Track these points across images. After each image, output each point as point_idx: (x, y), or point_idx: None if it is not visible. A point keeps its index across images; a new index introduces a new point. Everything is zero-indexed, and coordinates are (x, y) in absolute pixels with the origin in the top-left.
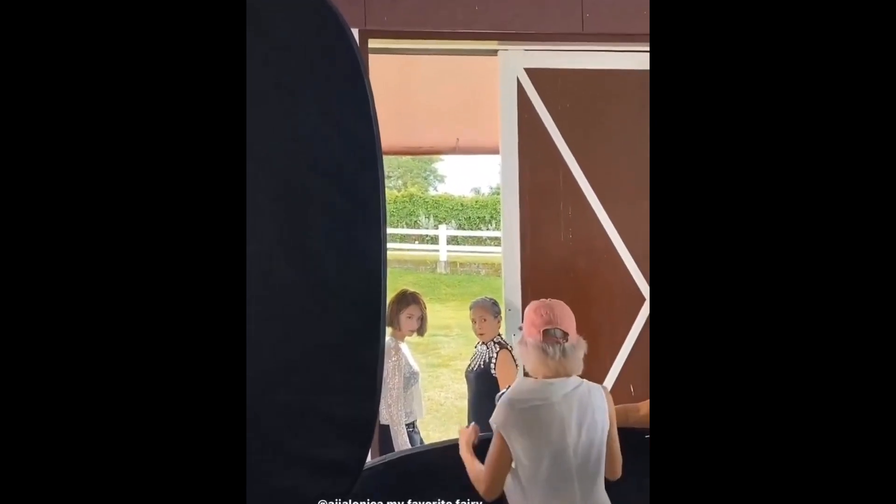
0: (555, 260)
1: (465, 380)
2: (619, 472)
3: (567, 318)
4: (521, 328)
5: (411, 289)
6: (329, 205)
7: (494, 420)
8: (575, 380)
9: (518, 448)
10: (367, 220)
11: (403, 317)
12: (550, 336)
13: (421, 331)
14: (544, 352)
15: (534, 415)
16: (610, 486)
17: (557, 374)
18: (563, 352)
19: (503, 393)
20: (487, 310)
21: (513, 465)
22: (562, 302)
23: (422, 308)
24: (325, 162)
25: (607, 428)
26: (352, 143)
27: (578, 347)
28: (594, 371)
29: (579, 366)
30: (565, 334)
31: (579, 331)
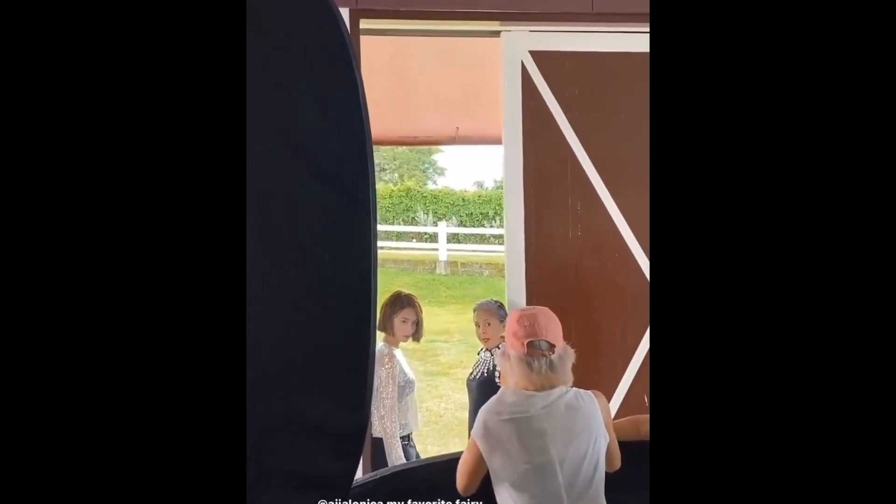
0: (562, 258)
1: (465, 389)
2: (618, 464)
3: (553, 328)
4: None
5: (406, 290)
6: (328, 205)
7: (473, 430)
8: (560, 389)
9: (496, 461)
10: (363, 218)
11: (397, 321)
12: (535, 349)
13: (416, 336)
14: (529, 366)
15: (509, 429)
16: (609, 488)
17: (543, 388)
18: (550, 365)
19: None
20: (493, 313)
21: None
22: (546, 309)
23: (417, 312)
24: (324, 162)
25: (604, 437)
26: (351, 143)
27: (566, 358)
28: (604, 379)
29: (569, 377)
30: (551, 346)
31: (587, 336)
